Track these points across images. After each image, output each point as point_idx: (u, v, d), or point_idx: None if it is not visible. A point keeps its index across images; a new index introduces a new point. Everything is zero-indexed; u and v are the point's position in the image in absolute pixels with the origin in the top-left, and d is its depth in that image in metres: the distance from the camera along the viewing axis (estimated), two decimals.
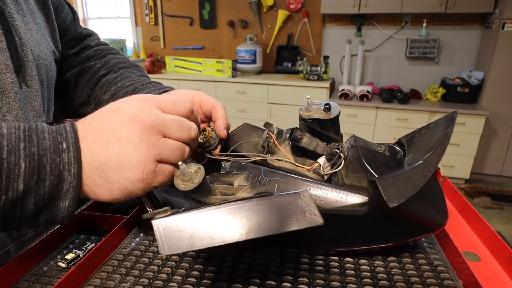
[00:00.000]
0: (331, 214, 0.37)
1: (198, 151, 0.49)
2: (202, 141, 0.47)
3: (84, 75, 0.64)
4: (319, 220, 0.30)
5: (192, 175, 0.39)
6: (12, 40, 0.46)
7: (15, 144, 0.29)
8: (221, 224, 0.29)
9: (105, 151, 0.33)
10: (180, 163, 0.37)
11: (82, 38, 0.69)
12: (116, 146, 0.33)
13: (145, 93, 0.56)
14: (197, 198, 0.41)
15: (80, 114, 0.66)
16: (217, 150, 0.49)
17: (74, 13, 0.69)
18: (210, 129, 0.49)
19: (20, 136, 0.30)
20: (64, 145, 0.32)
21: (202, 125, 0.55)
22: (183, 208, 0.31)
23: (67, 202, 0.32)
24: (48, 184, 0.31)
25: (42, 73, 0.54)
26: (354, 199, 0.40)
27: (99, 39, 0.73)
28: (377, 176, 0.40)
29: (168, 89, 0.57)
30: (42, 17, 0.57)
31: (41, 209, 0.31)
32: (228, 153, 0.50)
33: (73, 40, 0.67)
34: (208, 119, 0.53)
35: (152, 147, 0.34)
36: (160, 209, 0.31)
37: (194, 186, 0.38)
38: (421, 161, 0.33)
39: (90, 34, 0.71)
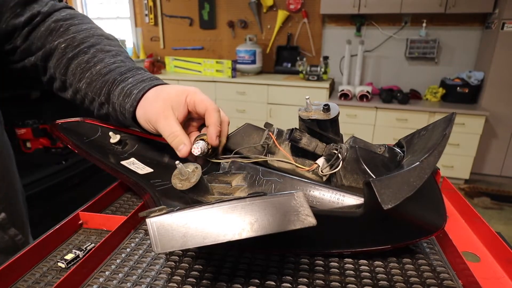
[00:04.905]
0: (327, 216, 0.37)
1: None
2: (207, 150, 0.46)
3: (50, 58, 0.56)
4: (312, 221, 0.30)
5: (189, 174, 0.39)
6: None
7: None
8: (214, 223, 0.29)
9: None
10: (177, 162, 0.37)
11: (30, 1, 0.56)
12: None
13: (128, 89, 0.49)
14: (194, 198, 0.41)
15: (65, 98, 0.59)
16: (219, 155, 0.50)
17: None
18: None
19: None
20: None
21: (195, 128, 0.53)
22: (178, 207, 0.31)
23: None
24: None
25: None
26: (350, 200, 0.40)
27: None
28: (374, 178, 0.40)
29: (157, 83, 0.50)
30: None
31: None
32: (231, 155, 0.50)
33: (19, 6, 0.54)
34: (203, 119, 0.49)
35: None
36: (156, 208, 0.31)
37: (191, 185, 0.38)
38: (418, 163, 0.33)
39: None
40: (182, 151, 0.45)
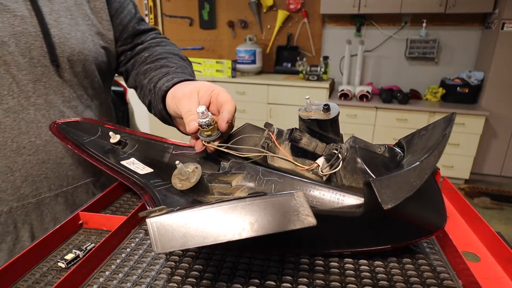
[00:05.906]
0: (327, 215, 0.37)
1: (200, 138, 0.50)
2: (206, 128, 0.47)
3: (135, 65, 0.72)
4: (312, 221, 0.30)
5: (189, 174, 0.39)
6: (48, 38, 0.54)
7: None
8: (214, 223, 0.29)
9: None
10: (177, 162, 0.37)
11: (139, 34, 0.74)
12: None
13: (171, 77, 0.60)
14: (195, 198, 0.41)
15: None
16: (216, 143, 0.49)
17: (136, 11, 0.74)
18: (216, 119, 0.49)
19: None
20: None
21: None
22: (178, 207, 0.31)
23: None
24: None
25: (78, 66, 0.60)
26: (350, 200, 0.40)
27: (158, 33, 0.78)
28: (374, 178, 0.40)
29: (187, 79, 0.59)
30: (89, 15, 0.63)
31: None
32: (227, 145, 0.50)
33: (130, 37, 0.72)
34: (219, 112, 0.53)
35: None
36: (157, 208, 0.31)
37: (191, 185, 0.38)
38: (418, 163, 0.33)
39: (148, 30, 0.76)
40: (191, 126, 0.49)
